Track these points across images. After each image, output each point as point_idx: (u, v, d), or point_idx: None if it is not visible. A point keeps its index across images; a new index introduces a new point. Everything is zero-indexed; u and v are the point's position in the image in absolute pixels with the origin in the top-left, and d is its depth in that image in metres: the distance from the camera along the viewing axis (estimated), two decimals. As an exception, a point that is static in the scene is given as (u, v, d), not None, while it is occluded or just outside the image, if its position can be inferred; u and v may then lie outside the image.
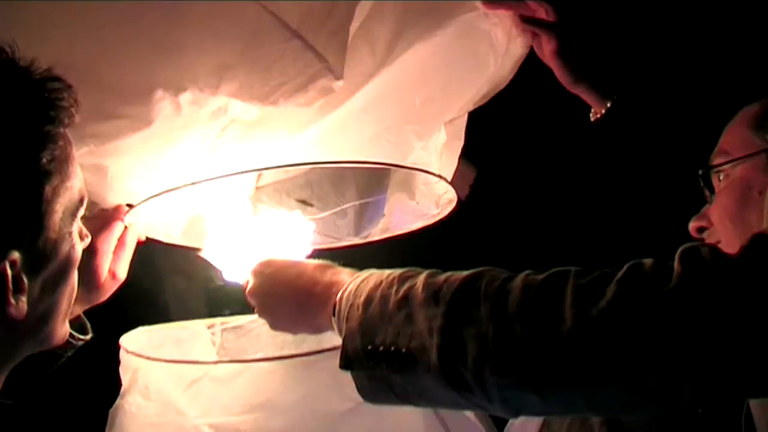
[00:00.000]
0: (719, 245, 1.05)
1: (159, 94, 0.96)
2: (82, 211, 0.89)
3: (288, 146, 1.05)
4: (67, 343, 1.05)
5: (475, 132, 1.28)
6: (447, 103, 1.18)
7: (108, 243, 1.11)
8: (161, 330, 1.25)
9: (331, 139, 1.06)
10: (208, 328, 1.30)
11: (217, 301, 1.34)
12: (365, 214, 1.30)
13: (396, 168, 1.16)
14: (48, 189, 0.82)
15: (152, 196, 1.07)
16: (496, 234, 1.76)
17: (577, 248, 1.65)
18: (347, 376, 0.90)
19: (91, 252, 1.05)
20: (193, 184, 1.04)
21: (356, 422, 1.01)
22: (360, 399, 0.90)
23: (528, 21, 1.18)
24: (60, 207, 0.84)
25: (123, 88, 0.96)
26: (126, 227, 1.14)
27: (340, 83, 0.98)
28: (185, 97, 0.96)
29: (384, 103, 1.07)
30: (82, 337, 1.11)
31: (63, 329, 0.91)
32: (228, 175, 1.03)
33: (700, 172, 1.09)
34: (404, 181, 1.29)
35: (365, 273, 0.95)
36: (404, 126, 1.11)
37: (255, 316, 1.08)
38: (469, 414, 1.16)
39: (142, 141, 1.00)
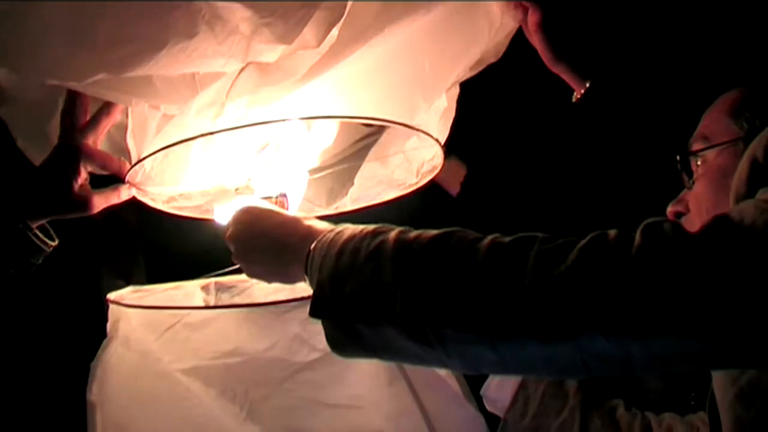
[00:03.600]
0: None
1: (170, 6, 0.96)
2: None
3: (304, 96, 1.05)
4: (36, 250, 1.07)
5: (466, 129, 1.31)
6: (449, 69, 1.21)
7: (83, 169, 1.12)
8: (154, 289, 1.26)
9: (347, 94, 1.08)
10: (202, 288, 1.31)
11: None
12: (335, 185, 1.32)
13: (401, 126, 1.17)
14: None
15: (160, 149, 1.06)
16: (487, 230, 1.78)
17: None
18: (317, 329, 0.91)
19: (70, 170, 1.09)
20: (202, 135, 1.04)
21: (321, 371, 1.02)
22: (327, 350, 0.91)
23: None
24: None
25: (134, 7, 0.97)
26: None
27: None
28: (196, 9, 0.96)
29: (395, 63, 1.09)
30: (50, 242, 1.12)
31: None
32: (238, 127, 1.03)
33: (678, 156, 1.12)
34: (380, 150, 1.30)
35: (341, 226, 0.96)
36: (413, 87, 1.14)
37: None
38: (441, 371, 1.16)
39: (160, 66, 0.99)
